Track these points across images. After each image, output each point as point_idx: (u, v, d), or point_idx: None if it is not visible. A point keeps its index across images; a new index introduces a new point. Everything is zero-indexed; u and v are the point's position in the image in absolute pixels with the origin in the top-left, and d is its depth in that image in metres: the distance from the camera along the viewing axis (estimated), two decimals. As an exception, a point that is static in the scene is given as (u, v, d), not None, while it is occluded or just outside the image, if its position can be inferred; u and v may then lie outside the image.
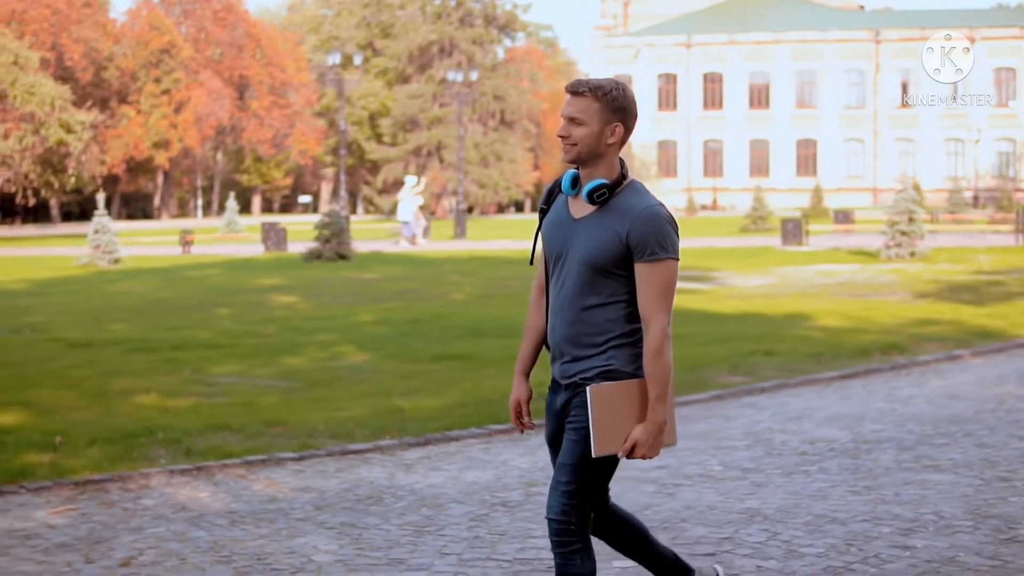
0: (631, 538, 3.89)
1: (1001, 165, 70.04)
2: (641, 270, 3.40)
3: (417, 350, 11.56)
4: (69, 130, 45.46)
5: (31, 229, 61.73)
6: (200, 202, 75.80)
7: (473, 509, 5.87)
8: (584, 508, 3.50)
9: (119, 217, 75.74)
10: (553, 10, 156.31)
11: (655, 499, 6.00)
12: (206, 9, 72.26)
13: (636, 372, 3.46)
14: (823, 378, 9.46)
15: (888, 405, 8.47)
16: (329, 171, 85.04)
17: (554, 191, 3.61)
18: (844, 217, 33.66)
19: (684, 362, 10.26)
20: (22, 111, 44.82)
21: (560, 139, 3.45)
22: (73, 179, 48.45)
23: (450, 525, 5.59)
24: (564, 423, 3.56)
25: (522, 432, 3.76)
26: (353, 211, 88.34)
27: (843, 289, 17.55)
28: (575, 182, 3.51)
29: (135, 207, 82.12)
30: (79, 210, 73.72)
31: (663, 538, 5.23)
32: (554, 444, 3.67)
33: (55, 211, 67.67)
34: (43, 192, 49.55)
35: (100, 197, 26.13)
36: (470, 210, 67.05)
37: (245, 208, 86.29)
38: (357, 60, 59.97)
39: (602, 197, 3.43)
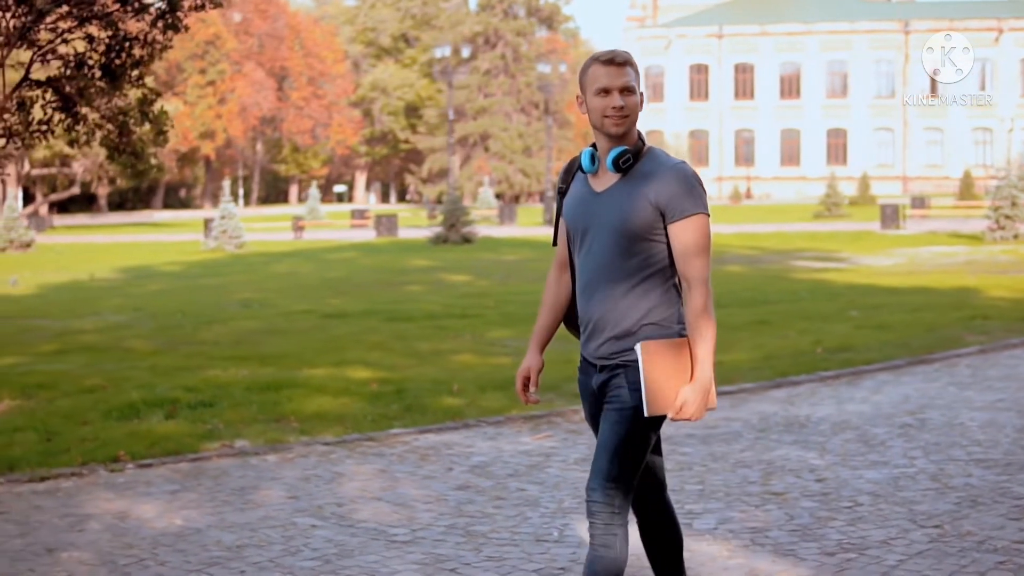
0: (665, 538, 3.72)
1: (1029, 154, 71.49)
2: (675, 230, 3.33)
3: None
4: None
5: (83, 218, 62.94)
6: (242, 191, 77.12)
7: (889, 430, 7.21)
8: (626, 489, 3.43)
9: (162, 207, 77.12)
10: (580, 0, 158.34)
11: (1021, 420, 7.42)
12: (247, 1, 73.55)
13: (681, 332, 3.39)
14: (1058, 336, 10.93)
15: None
16: (362, 160, 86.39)
17: (571, 170, 3.56)
18: (920, 203, 35.18)
19: (920, 325, 11.76)
20: (105, 101, 46.01)
21: (614, 111, 3.35)
22: (155, 169, 49.60)
23: (888, 440, 6.93)
24: (603, 403, 3.46)
25: (526, 403, 3.71)
26: (385, 200, 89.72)
27: (976, 267, 18.97)
28: (594, 159, 3.45)
29: (173, 197, 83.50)
30: (119, 199, 75.07)
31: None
32: (596, 423, 3.58)
33: (103, 201, 69.00)
34: (118, 181, 51.00)
35: (226, 184, 27.51)
36: (516, 199, 68.73)
37: (282, 198, 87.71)
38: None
39: (627, 163, 3.37)
